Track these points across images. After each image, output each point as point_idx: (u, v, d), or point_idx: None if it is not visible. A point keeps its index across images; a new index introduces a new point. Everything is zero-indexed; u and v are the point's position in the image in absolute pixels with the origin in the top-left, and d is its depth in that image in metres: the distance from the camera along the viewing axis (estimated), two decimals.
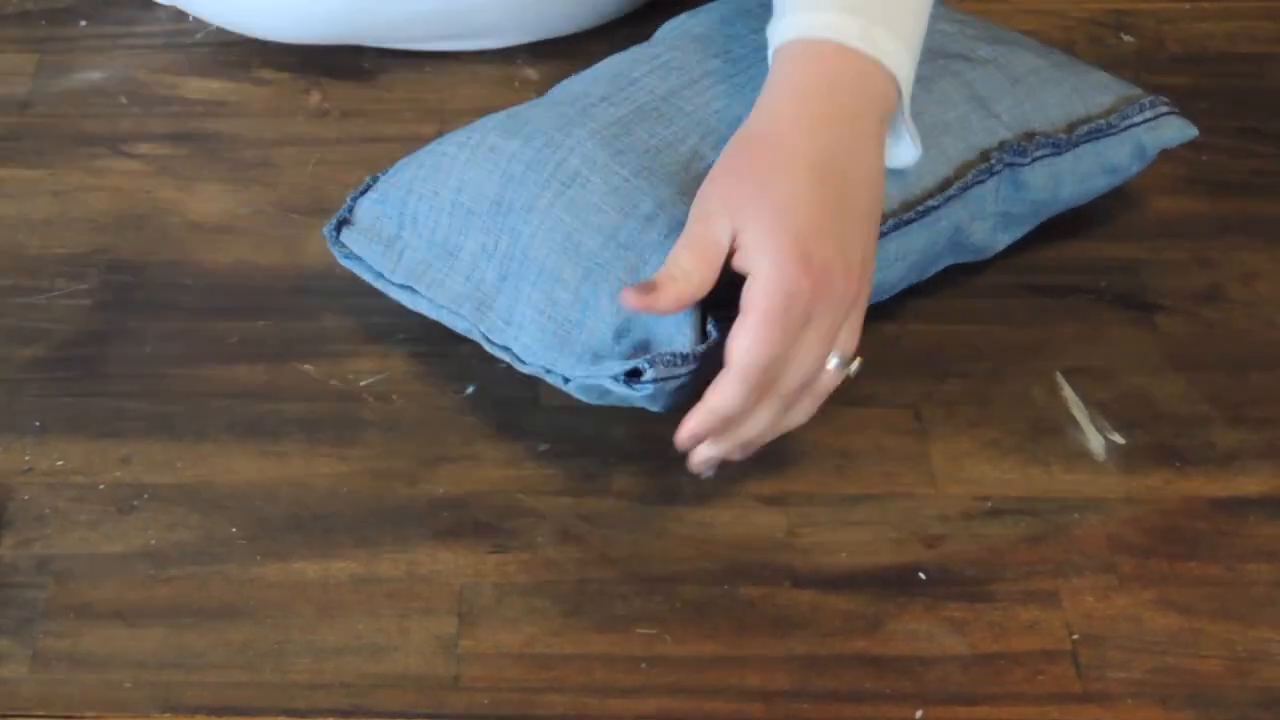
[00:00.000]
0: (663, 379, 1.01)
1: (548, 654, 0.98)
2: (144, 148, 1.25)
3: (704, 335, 1.02)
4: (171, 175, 1.23)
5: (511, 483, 1.06)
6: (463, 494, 1.06)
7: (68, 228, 1.20)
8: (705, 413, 1.00)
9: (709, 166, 1.05)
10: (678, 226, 1.03)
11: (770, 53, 1.05)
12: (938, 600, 1.01)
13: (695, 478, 1.05)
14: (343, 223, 1.12)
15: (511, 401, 1.10)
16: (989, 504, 1.06)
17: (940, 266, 1.15)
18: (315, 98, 1.29)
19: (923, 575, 1.02)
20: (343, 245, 1.11)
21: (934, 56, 1.13)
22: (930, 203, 1.10)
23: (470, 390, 1.11)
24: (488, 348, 1.08)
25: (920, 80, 1.08)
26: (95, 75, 1.31)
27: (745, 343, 0.99)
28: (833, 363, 1.02)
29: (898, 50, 1.03)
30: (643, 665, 0.98)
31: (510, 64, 1.32)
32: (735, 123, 1.06)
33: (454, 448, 1.08)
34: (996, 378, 1.13)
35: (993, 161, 1.13)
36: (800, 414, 1.03)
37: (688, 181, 1.05)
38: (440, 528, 1.04)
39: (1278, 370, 1.13)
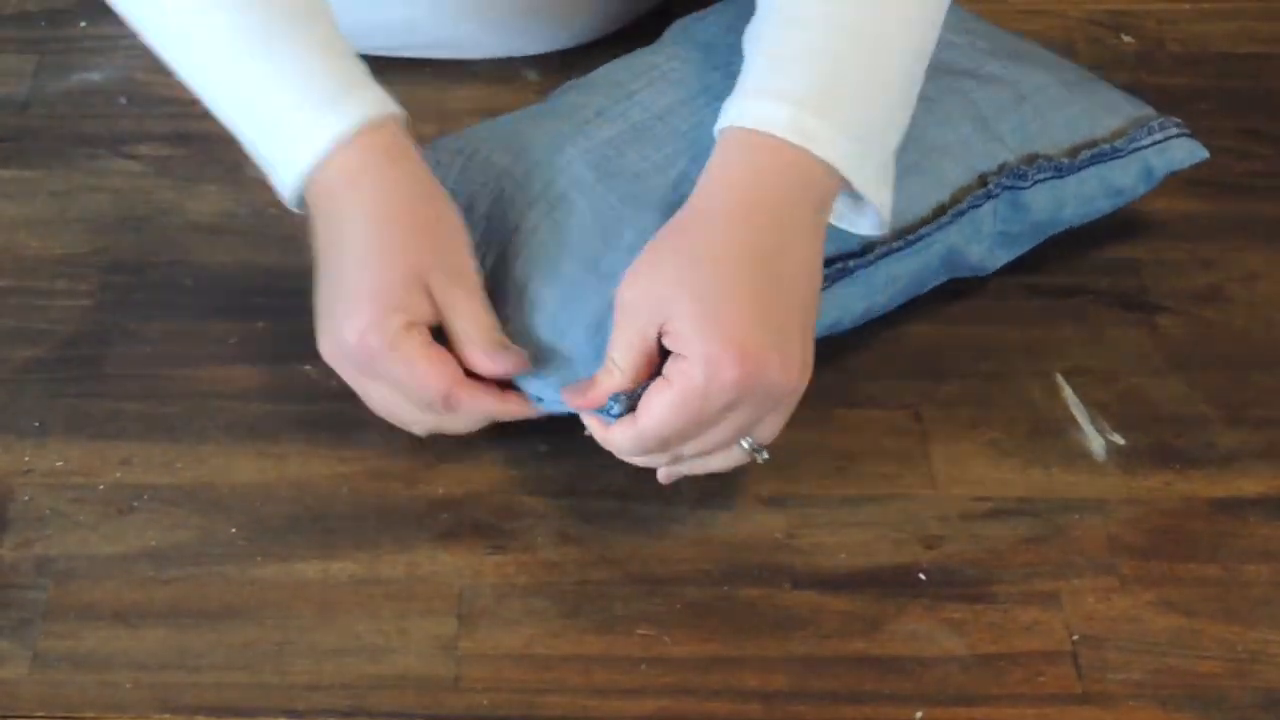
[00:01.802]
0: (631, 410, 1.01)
1: (547, 655, 0.98)
2: (143, 148, 1.25)
3: None
4: (171, 176, 1.23)
5: (511, 484, 1.06)
6: (462, 495, 1.06)
7: (67, 228, 1.20)
8: (601, 437, 1.01)
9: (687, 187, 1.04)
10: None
11: (715, 134, 1.03)
12: (937, 601, 1.01)
13: (695, 477, 1.05)
14: None
15: None
16: (989, 505, 1.06)
17: (935, 284, 1.14)
18: None
19: (922, 576, 1.02)
20: None
21: (939, 73, 1.12)
22: (923, 230, 1.10)
23: None
24: None
25: (924, 99, 1.08)
26: (95, 76, 1.31)
27: (655, 413, 0.98)
28: (744, 444, 1.00)
29: (833, 137, 1.00)
30: (642, 666, 0.98)
31: (509, 64, 1.32)
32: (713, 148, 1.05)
33: (453, 449, 1.08)
34: (997, 379, 1.13)
35: (990, 186, 1.12)
36: (699, 466, 1.02)
37: (673, 205, 1.04)
38: (440, 529, 1.04)
39: (1278, 371, 1.13)
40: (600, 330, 1.02)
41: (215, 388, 1.10)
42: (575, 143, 1.10)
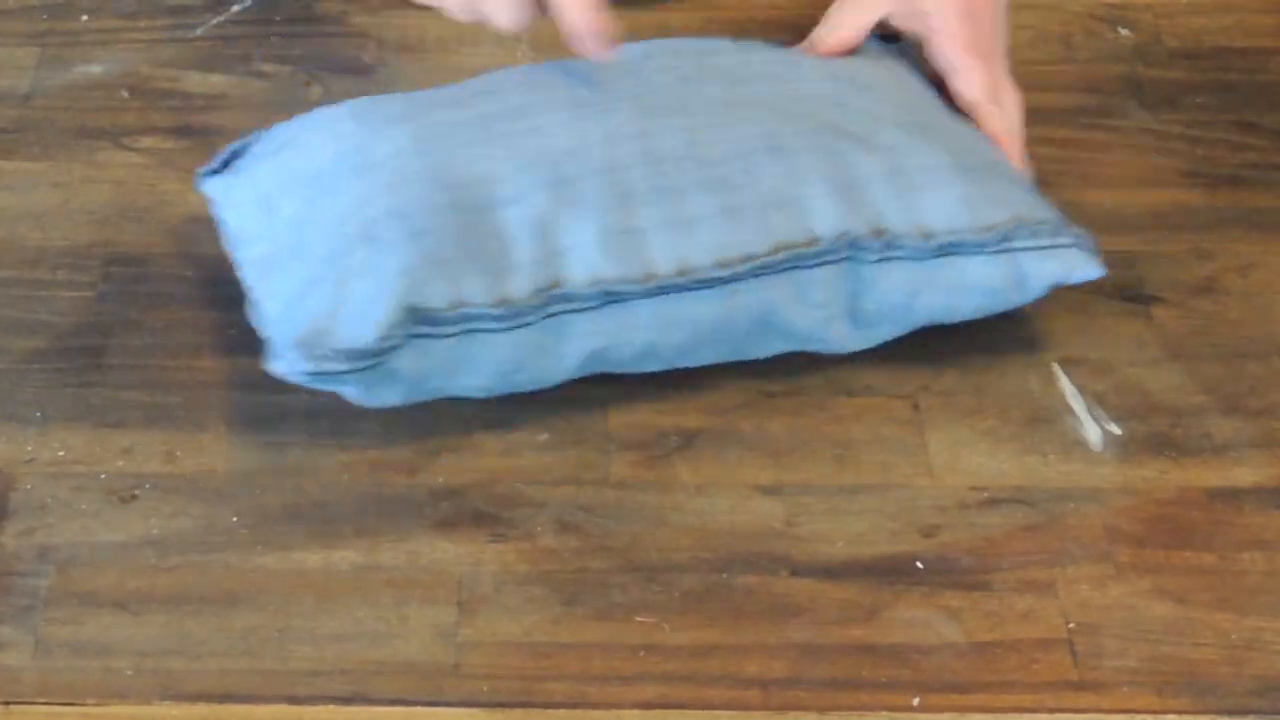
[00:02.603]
0: (316, 373, 1.02)
1: (547, 642, 0.99)
2: (145, 141, 1.26)
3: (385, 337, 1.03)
4: (172, 168, 1.24)
5: (511, 472, 1.07)
6: (462, 483, 1.06)
7: (69, 220, 1.20)
8: (1005, 136, 1.13)
9: (494, 192, 1.06)
10: (415, 236, 1.04)
11: None
12: (935, 589, 1.02)
13: (694, 466, 1.06)
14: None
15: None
16: (986, 494, 1.06)
17: (769, 348, 1.10)
18: (316, 91, 1.30)
19: (920, 564, 1.03)
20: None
21: (820, 131, 1.10)
22: (716, 275, 1.06)
23: None
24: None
25: (784, 149, 1.09)
26: (97, 69, 1.32)
27: (963, 79, 1.15)
28: None
29: None
30: (641, 653, 0.98)
31: (511, 59, 1.32)
32: (537, 159, 1.07)
33: (453, 437, 1.08)
34: (994, 368, 1.13)
35: (822, 249, 1.07)
36: None
37: (460, 199, 1.06)
38: (440, 517, 1.04)
39: (1273, 361, 1.14)
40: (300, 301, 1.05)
41: (216, 378, 1.11)
42: (414, 120, 1.11)
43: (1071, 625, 1.00)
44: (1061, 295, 1.16)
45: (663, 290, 1.06)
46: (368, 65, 1.32)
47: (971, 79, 1.15)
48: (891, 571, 1.02)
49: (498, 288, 1.05)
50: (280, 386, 1.09)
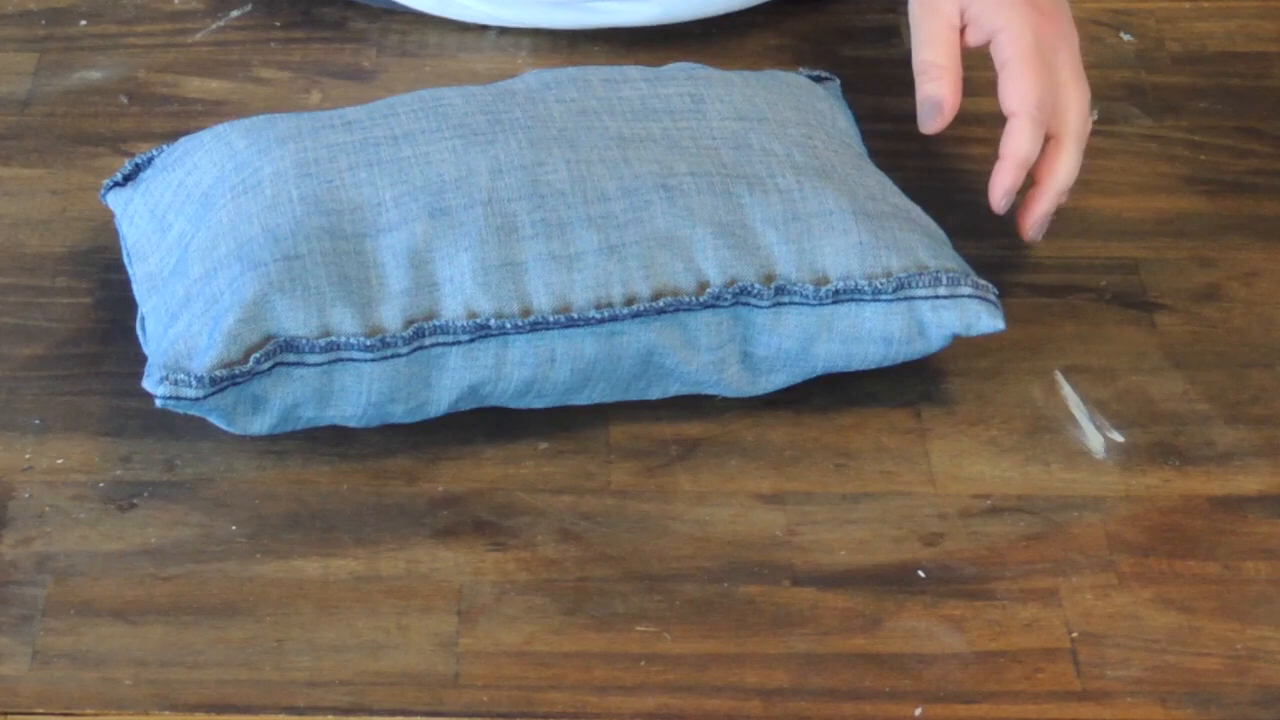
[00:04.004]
0: (171, 398, 1.01)
1: (547, 652, 0.98)
2: (144, 147, 1.25)
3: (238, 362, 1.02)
4: None
5: (511, 481, 1.06)
6: (462, 492, 1.06)
7: (67, 226, 1.20)
8: (1008, 163, 1.11)
9: (372, 219, 1.05)
10: (287, 259, 1.03)
11: None
12: (937, 598, 1.01)
13: (695, 475, 1.05)
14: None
15: None
16: (988, 502, 1.06)
17: (663, 389, 1.08)
18: (315, 97, 1.30)
19: (922, 573, 1.02)
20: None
21: (715, 172, 1.08)
22: (594, 314, 1.04)
23: None
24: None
25: (676, 189, 1.07)
26: (95, 74, 1.31)
27: (1017, 88, 1.11)
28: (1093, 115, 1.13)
29: None
30: (642, 663, 0.98)
31: (511, 64, 1.32)
32: (420, 188, 1.06)
33: (453, 446, 1.08)
34: (996, 376, 1.13)
35: (708, 296, 1.05)
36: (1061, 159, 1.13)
37: (337, 224, 1.05)
38: (440, 526, 1.04)
39: (1277, 369, 1.14)
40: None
41: None
42: (302, 140, 1.10)
43: (1074, 635, 1.00)
44: (1063, 303, 1.16)
45: (539, 327, 1.04)
46: (367, 71, 1.32)
47: (1014, 87, 1.12)
48: (893, 580, 1.02)
49: (369, 317, 1.03)
50: None
